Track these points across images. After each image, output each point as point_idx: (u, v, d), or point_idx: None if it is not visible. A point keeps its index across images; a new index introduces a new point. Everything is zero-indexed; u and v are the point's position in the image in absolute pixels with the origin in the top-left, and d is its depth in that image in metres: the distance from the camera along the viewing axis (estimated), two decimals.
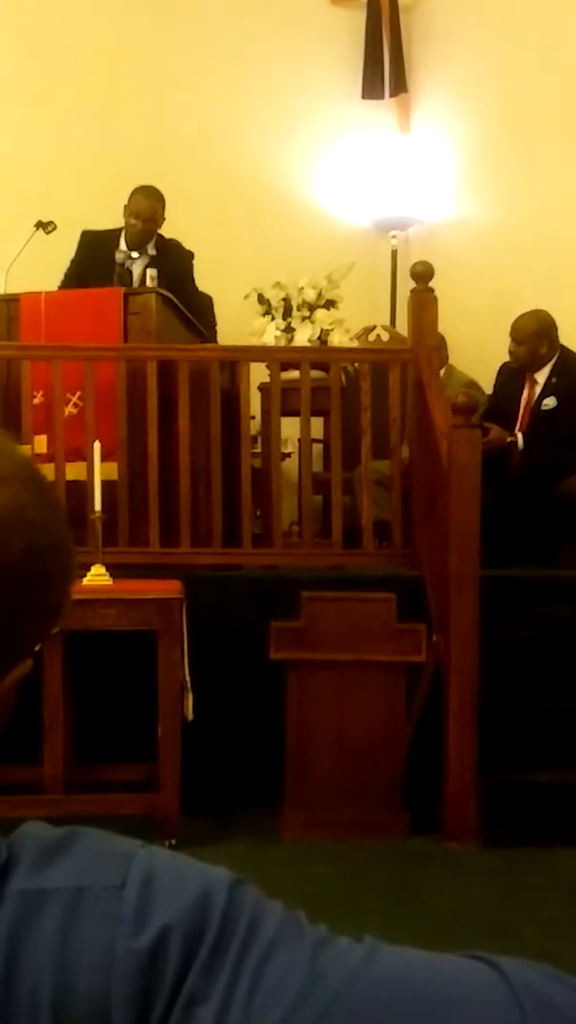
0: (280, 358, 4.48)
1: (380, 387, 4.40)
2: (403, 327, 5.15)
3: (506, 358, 5.06)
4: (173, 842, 3.38)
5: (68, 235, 4.93)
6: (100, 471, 3.75)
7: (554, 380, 4.95)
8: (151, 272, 4.52)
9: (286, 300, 4.92)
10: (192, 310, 4.66)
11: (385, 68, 6.25)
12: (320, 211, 6.32)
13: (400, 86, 6.28)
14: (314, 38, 6.24)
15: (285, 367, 4.44)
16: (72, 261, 4.94)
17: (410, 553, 4.35)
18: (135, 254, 4.83)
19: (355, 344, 5.33)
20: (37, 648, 0.67)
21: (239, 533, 4.35)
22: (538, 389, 4.97)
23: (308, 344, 4.82)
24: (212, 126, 6.09)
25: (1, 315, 4.39)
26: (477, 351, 5.47)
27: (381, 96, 6.29)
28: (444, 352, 5.24)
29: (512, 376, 5.07)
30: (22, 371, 4.22)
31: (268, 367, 4.50)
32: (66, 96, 5.96)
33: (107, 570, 3.68)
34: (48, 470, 4.04)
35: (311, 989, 0.54)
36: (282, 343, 4.83)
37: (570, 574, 4.56)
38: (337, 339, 4.92)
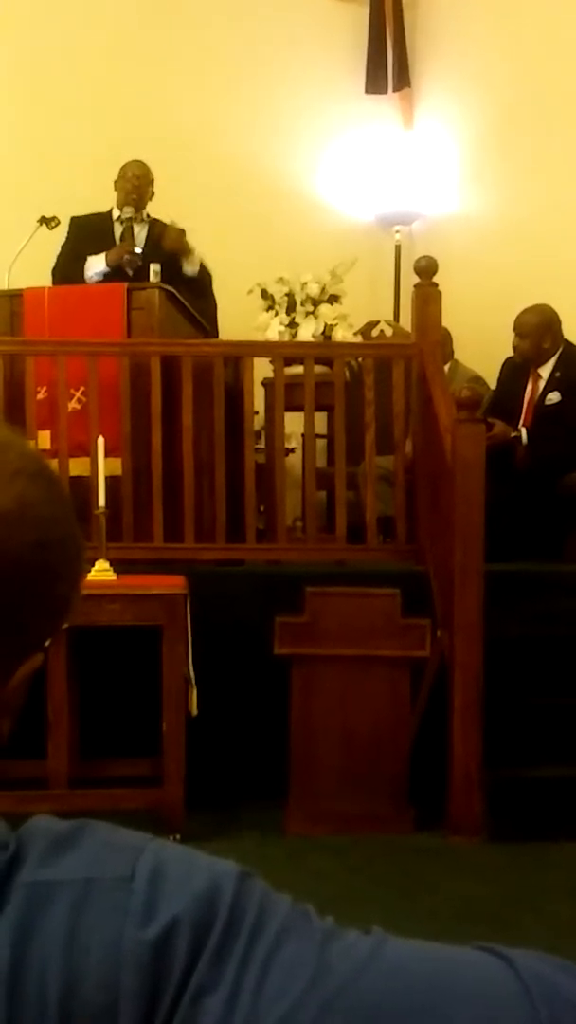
0: (284, 353, 4.49)
1: (384, 382, 4.39)
2: (407, 322, 5.14)
3: (510, 353, 5.05)
4: (178, 836, 3.38)
5: None
6: (104, 467, 3.75)
7: (558, 375, 4.94)
8: (154, 267, 4.51)
9: (290, 295, 4.93)
10: (192, 285, 4.76)
11: (388, 63, 6.25)
12: (324, 206, 6.32)
13: (403, 81, 6.28)
14: (317, 33, 6.24)
15: (289, 362, 4.45)
16: (63, 245, 4.92)
17: (414, 548, 4.35)
18: (130, 211, 4.90)
19: (359, 339, 5.33)
20: (47, 643, 0.67)
21: (243, 528, 4.35)
22: (542, 384, 4.96)
23: (312, 339, 4.82)
24: (216, 121, 6.09)
25: (4, 310, 4.39)
26: (481, 346, 5.46)
27: (384, 91, 6.29)
28: (448, 347, 5.24)
29: (516, 371, 5.06)
30: (26, 367, 4.22)
31: (272, 362, 4.50)
32: (68, 92, 5.96)
33: (111, 565, 3.68)
34: (52, 466, 4.03)
35: (319, 980, 0.54)
36: (286, 338, 4.83)
37: (574, 569, 4.56)
38: (341, 334, 4.92)
